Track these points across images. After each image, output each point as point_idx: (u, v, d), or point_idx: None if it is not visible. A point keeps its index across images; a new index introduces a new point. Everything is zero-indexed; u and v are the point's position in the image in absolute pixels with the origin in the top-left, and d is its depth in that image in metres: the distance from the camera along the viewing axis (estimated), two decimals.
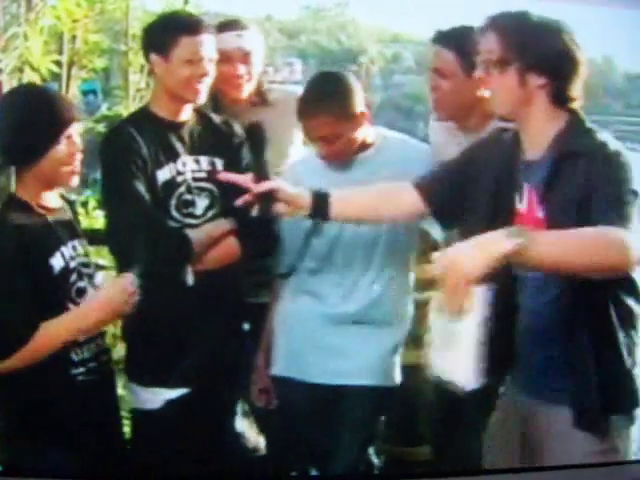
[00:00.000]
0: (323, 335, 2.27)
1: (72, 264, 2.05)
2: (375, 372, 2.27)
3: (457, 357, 1.63)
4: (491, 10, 1.87)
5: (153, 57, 2.21)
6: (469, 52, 2.12)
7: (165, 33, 2.20)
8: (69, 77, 4.17)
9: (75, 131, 2.03)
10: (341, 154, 2.23)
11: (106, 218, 2.28)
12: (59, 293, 2.01)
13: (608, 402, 1.75)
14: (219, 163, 2.29)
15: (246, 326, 2.44)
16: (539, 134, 1.81)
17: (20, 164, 2.02)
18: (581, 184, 1.71)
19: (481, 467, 2.04)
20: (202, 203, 2.26)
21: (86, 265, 2.12)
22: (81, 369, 2.04)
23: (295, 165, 2.43)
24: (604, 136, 1.76)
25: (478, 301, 1.58)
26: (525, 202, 1.82)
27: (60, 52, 4.07)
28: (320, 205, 2.06)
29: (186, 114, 2.27)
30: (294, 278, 2.32)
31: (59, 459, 1.98)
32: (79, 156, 2.04)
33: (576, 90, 1.80)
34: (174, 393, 2.23)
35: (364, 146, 2.26)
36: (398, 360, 2.32)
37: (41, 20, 3.52)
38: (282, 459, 2.43)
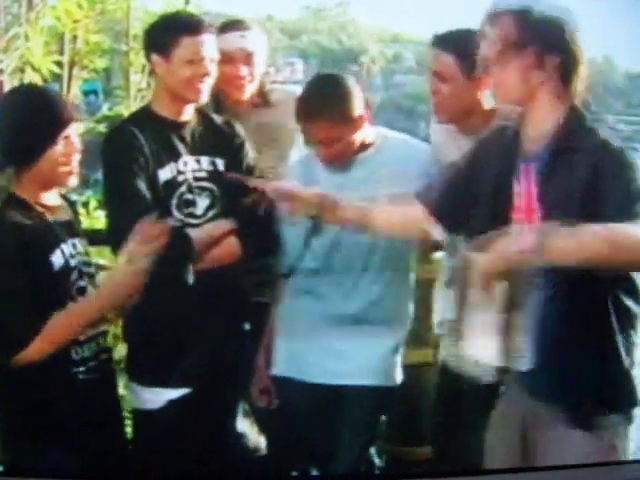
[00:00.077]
0: (324, 335, 2.27)
1: (72, 262, 2.05)
2: (376, 372, 2.27)
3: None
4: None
5: (154, 57, 2.22)
6: (469, 54, 2.12)
7: (166, 33, 2.20)
8: (70, 77, 4.18)
9: (73, 131, 2.03)
10: (340, 156, 2.22)
11: (107, 217, 2.29)
12: (60, 291, 2.01)
13: (606, 401, 1.75)
14: (220, 163, 2.29)
15: (247, 326, 2.44)
16: (541, 125, 1.81)
17: (18, 164, 2.02)
18: (583, 178, 1.71)
19: (481, 467, 2.04)
20: (203, 203, 2.26)
21: (87, 264, 2.12)
22: (81, 368, 2.04)
23: (295, 165, 2.42)
24: (606, 132, 1.76)
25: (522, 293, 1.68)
26: (522, 193, 1.82)
27: (61, 52, 4.09)
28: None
29: (188, 114, 2.27)
30: (295, 278, 2.31)
31: (59, 459, 1.98)
32: (77, 157, 2.04)
33: (582, 72, 1.80)
34: (175, 393, 2.23)
35: (364, 146, 2.26)
36: (399, 360, 2.32)
37: (41, 20, 3.53)
38: (283, 459, 2.43)
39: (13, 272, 1.93)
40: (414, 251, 2.37)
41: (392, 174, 2.18)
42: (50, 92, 2.40)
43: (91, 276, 2.12)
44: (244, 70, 2.51)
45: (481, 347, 1.75)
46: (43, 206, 2.04)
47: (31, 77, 3.53)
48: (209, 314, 2.21)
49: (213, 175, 2.28)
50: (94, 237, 2.37)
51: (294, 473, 2.50)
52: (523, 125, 1.86)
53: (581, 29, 1.81)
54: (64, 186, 2.11)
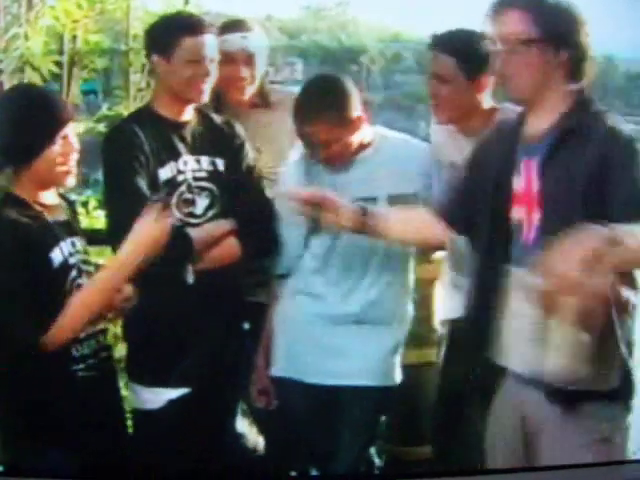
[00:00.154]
0: (323, 335, 2.27)
1: (71, 260, 2.05)
2: (375, 372, 2.26)
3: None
4: None
5: (155, 58, 2.22)
6: (468, 55, 2.13)
7: (167, 34, 2.20)
8: (70, 77, 4.18)
9: (71, 131, 2.03)
10: (339, 157, 2.22)
11: (107, 215, 2.29)
12: (59, 289, 2.01)
13: (603, 390, 1.74)
14: (220, 163, 2.29)
15: (246, 326, 2.44)
16: (546, 117, 1.80)
17: (16, 163, 2.02)
18: (590, 169, 1.68)
19: (481, 467, 2.04)
20: (202, 203, 2.26)
21: (86, 262, 2.12)
22: (81, 365, 2.04)
23: (294, 165, 2.42)
24: (615, 118, 1.75)
25: None
26: (522, 178, 1.81)
27: (61, 52, 4.09)
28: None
29: (188, 114, 2.27)
30: (294, 278, 2.31)
31: (59, 459, 1.98)
32: (75, 156, 2.04)
33: (590, 62, 1.80)
34: (174, 393, 2.23)
35: (362, 146, 2.25)
36: (398, 360, 2.32)
37: (41, 20, 3.53)
38: (282, 459, 2.43)
39: (12, 270, 1.93)
40: (413, 251, 2.37)
41: (391, 174, 2.18)
42: (48, 91, 2.40)
43: (90, 274, 2.12)
44: (245, 71, 2.50)
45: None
46: (41, 205, 2.04)
47: (31, 77, 3.53)
48: (209, 314, 2.21)
49: (213, 175, 2.28)
50: (93, 237, 2.37)
51: (293, 473, 2.50)
52: (526, 118, 1.85)
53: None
54: (62, 186, 2.11)
